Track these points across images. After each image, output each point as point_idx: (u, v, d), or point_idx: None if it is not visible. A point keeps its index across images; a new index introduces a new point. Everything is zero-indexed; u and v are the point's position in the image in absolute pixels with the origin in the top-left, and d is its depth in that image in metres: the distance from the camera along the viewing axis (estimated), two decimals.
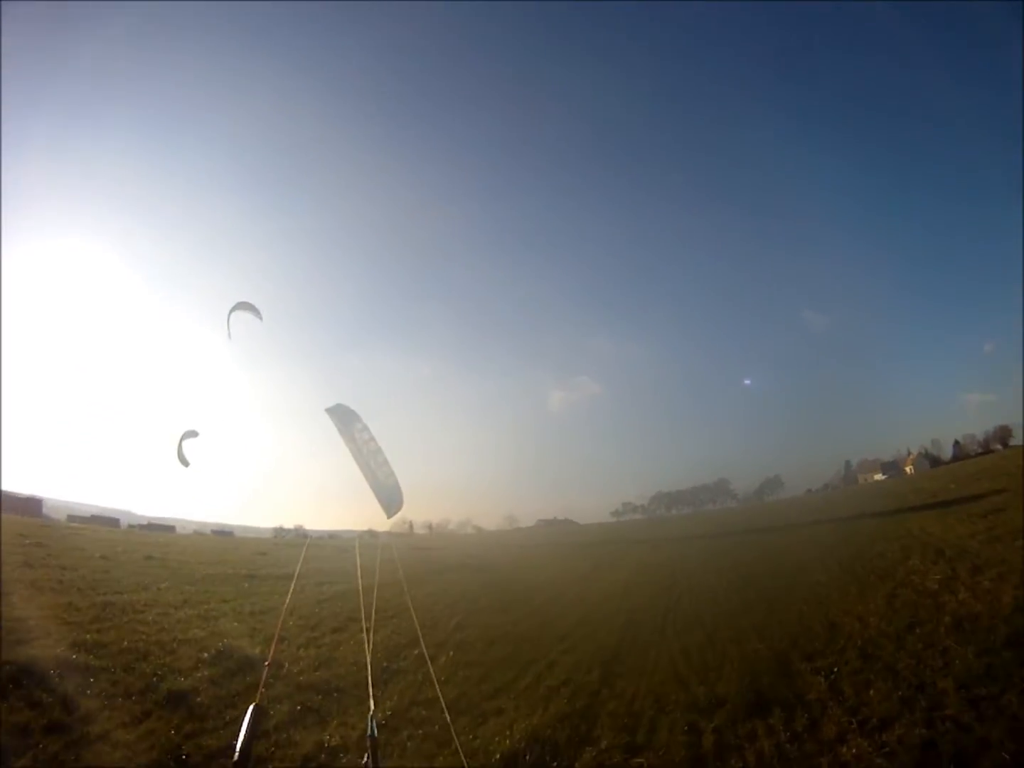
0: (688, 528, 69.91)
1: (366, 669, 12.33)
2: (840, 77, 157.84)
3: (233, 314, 13.07)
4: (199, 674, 12.79)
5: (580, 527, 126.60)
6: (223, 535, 70.17)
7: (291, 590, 22.13)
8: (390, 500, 9.68)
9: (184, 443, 13.94)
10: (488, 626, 20.33)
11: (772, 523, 55.05)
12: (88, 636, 13.82)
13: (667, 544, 52.00)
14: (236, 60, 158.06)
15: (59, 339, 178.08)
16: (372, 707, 5.33)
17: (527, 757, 10.29)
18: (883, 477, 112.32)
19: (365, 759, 4.52)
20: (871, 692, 10.94)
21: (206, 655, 13.92)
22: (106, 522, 61.75)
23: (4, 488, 54.17)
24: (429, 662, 13.51)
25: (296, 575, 25.71)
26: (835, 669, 12.38)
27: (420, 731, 11.17)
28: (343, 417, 9.64)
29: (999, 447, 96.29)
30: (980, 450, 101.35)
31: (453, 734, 10.08)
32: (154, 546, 34.10)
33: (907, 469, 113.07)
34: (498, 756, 10.37)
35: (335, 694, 12.85)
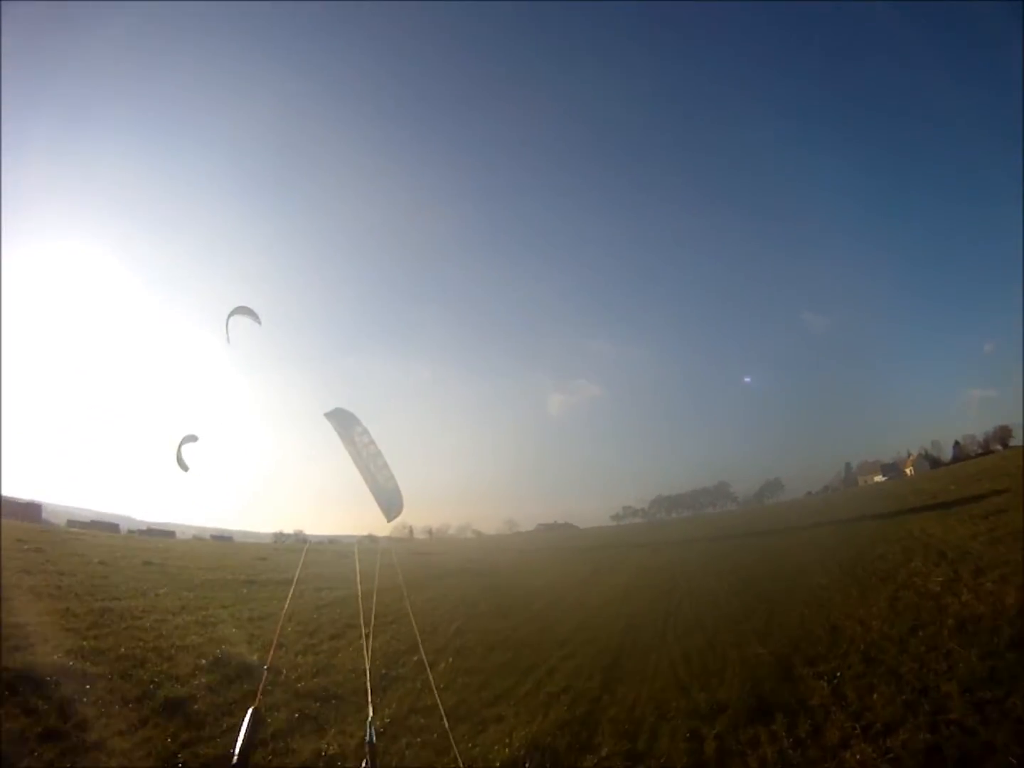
0: (688, 531, 69.90)
1: (364, 676, 12.26)
2: (840, 77, 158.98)
3: (232, 318, 13.03)
4: (196, 681, 12.67)
5: (580, 531, 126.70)
6: (223, 540, 70.17)
7: (290, 596, 21.98)
8: (390, 504, 9.63)
9: (183, 448, 13.89)
10: (488, 632, 20.22)
11: (772, 526, 55.00)
12: (85, 642, 13.71)
13: (667, 548, 51.92)
14: (234, 62, 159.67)
15: (59, 343, 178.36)
16: (371, 714, 5.29)
17: (527, 765, 10.20)
18: (883, 479, 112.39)
19: (364, 766, 4.48)
20: (874, 696, 10.84)
21: (204, 662, 13.82)
22: (106, 527, 61.83)
23: (4, 493, 54.22)
24: (428, 668, 13.41)
25: (295, 580, 25.61)
26: (838, 673, 12.26)
27: (419, 739, 11.06)
28: (342, 421, 9.59)
29: (999, 447, 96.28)
30: (980, 451, 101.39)
31: (452, 742, 9.96)
32: (153, 551, 34.08)
33: (907, 470, 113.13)
34: (498, 764, 10.28)
35: (333, 701, 12.74)
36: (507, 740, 11.08)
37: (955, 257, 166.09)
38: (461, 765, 9.81)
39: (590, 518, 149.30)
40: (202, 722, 10.90)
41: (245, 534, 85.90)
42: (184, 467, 13.98)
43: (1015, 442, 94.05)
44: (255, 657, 14.52)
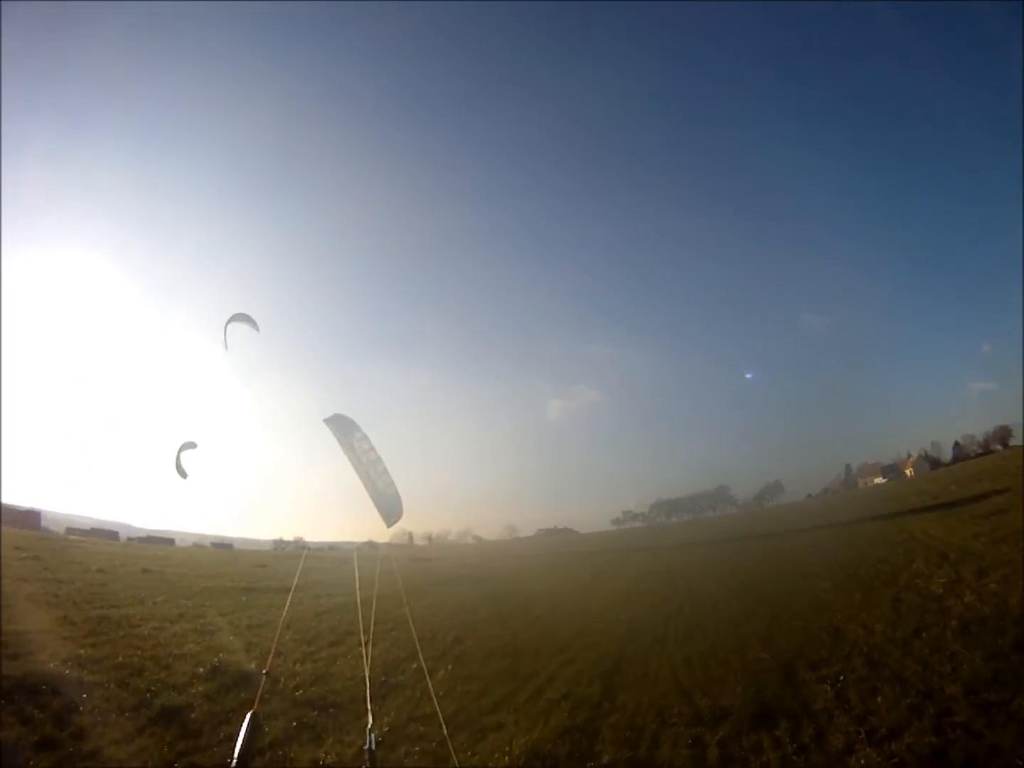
0: (688, 535, 69.85)
1: (363, 684, 12.21)
2: (840, 77, 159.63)
3: (230, 325, 13.06)
4: (194, 689, 12.60)
5: (580, 536, 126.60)
6: (222, 548, 69.88)
7: (288, 603, 21.88)
8: (390, 509, 9.65)
9: (182, 455, 13.88)
10: (487, 638, 20.08)
11: (773, 529, 54.95)
12: (82, 651, 13.65)
13: (667, 552, 51.83)
14: (231, 65, 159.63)
15: (58, 351, 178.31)
16: (370, 721, 5.25)
17: None
18: (883, 480, 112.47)
19: None
20: (878, 700, 10.70)
21: (201, 670, 13.74)
22: (105, 535, 61.71)
23: (3, 501, 54.13)
24: (427, 676, 13.27)
25: (293, 587, 25.51)
26: (841, 677, 12.13)
27: (417, 747, 10.95)
28: (342, 427, 9.61)
29: (999, 447, 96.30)
30: (980, 451, 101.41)
31: (451, 750, 9.84)
32: (152, 559, 34.06)
33: (907, 472, 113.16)
34: None
35: (331, 710, 12.64)
36: (507, 748, 10.95)
37: (955, 257, 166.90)
38: None
39: (590, 523, 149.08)
40: (199, 731, 10.81)
41: (246, 541, 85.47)
42: (183, 474, 13.98)
43: (1015, 442, 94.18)
44: (253, 665, 14.44)
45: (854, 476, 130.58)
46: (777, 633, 16.59)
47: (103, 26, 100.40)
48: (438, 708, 10.84)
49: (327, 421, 9.65)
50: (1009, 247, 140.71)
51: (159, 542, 65.24)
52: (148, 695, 11.86)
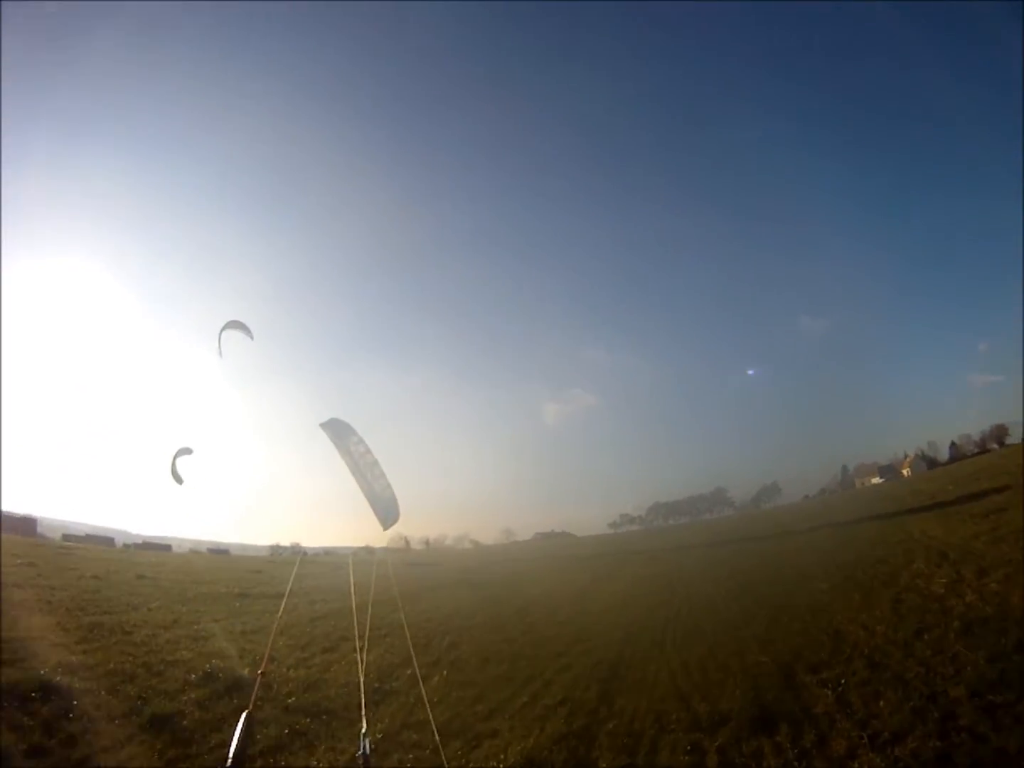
0: (686, 538, 69.76)
1: (356, 690, 12.09)
2: (839, 77, 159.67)
3: (224, 332, 13.07)
4: (185, 696, 12.42)
5: (577, 539, 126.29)
6: (219, 553, 69.66)
7: (282, 609, 21.66)
8: (387, 512, 9.68)
9: (178, 460, 13.81)
10: (483, 643, 19.92)
11: (770, 530, 54.89)
12: (74, 657, 13.43)
13: (665, 555, 51.66)
14: (228, 75, 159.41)
15: (54, 358, 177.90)
16: (364, 726, 5.24)
17: None
18: (880, 480, 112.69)
19: None
20: (881, 703, 10.52)
21: (193, 677, 13.57)
22: (101, 541, 61.62)
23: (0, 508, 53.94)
24: (421, 682, 13.09)
25: (287, 593, 25.29)
26: (842, 680, 11.94)
27: (411, 755, 10.79)
28: (338, 431, 9.68)
29: (995, 446, 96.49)
30: (977, 450, 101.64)
31: (444, 759, 9.65)
32: (147, 565, 33.94)
33: (904, 472, 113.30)
34: None
35: (324, 717, 12.50)
36: (502, 756, 10.79)
37: (953, 256, 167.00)
38: None
39: (587, 526, 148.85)
40: (190, 739, 10.67)
41: (242, 547, 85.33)
42: (179, 480, 13.91)
43: (1011, 440, 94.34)
44: (245, 671, 14.29)
45: (851, 477, 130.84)
46: (776, 636, 16.44)
47: (102, 35, 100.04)
48: (431, 715, 10.67)
49: (323, 425, 9.76)
50: (1008, 245, 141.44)
51: (155, 548, 65.15)
52: (139, 702, 11.71)
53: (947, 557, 20.43)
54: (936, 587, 17.06)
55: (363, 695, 8.71)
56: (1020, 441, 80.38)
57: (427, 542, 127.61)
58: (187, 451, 13.99)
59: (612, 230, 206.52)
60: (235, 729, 4.08)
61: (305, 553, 73.53)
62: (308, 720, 12.20)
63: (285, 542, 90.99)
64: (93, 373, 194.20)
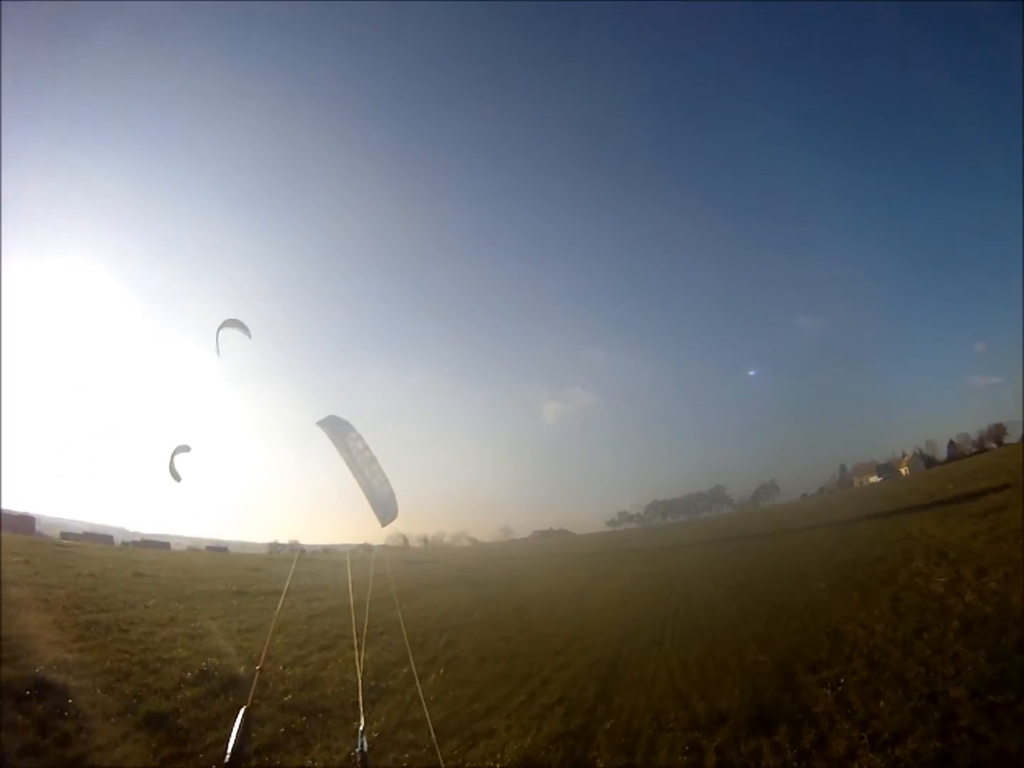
0: (684, 536, 69.77)
1: (353, 688, 12.05)
2: (839, 77, 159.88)
3: (222, 331, 13.03)
4: (181, 695, 12.34)
5: (576, 537, 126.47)
6: (217, 551, 69.61)
7: (279, 606, 21.59)
8: (385, 509, 9.67)
9: (176, 458, 13.74)
10: (481, 642, 19.84)
11: (769, 529, 54.87)
12: (69, 655, 13.34)
13: (663, 553, 51.66)
14: (227, 74, 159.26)
15: (54, 357, 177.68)
16: (362, 723, 5.26)
17: None
18: (879, 479, 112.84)
19: None
20: (881, 703, 10.45)
21: (189, 675, 13.49)
22: (99, 539, 61.70)
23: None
24: (418, 681, 13.00)
25: (285, 591, 25.23)
26: (841, 680, 11.86)
27: (407, 754, 10.71)
28: (336, 428, 9.66)
29: (994, 445, 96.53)
30: (975, 449, 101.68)
31: (440, 758, 9.57)
32: (145, 563, 33.82)
33: (902, 470, 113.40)
34: None
35: (320, 715, 12.44)
36: (498, 755, 10.70)
37: (954, 256, 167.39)
38: None
39: (586, 524, 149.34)
40: (185, 738, 10.59)
41: (241, 544, 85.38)
42: (177, 477, 13.84)
43: (1009, 440, 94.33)
44: (242, 670, 14.20)
45: (849, 475, 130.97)
46: (775, 634, 16.37)
47: (102, 35, 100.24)
48: (427, 714, 10.59)
49: (321, 423, 9.76)
50: (1008, 245, 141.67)
51: (154, 546, 65.15)
52: (134, 700, 11.64)
53: (946, 556, 20.38)
54: (935, 586, 17.00)
55: (360, 692, 8.65)
56: (1018, 440, 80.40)
57: (425, 540, 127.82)
58: (185, 449, 13.94)
59: (612, 230, 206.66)
60: (233, 726, 4.04)
61: (303, 551, 73.47)
62: (304, 718, 12.13)
63: (284, 540, 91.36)
64: (92, 372, 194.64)
